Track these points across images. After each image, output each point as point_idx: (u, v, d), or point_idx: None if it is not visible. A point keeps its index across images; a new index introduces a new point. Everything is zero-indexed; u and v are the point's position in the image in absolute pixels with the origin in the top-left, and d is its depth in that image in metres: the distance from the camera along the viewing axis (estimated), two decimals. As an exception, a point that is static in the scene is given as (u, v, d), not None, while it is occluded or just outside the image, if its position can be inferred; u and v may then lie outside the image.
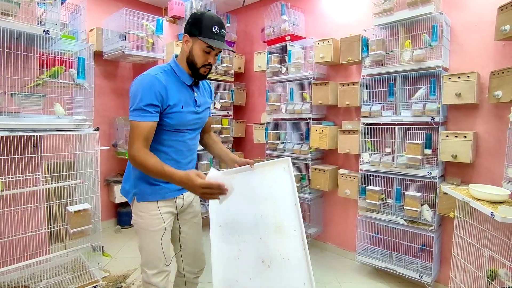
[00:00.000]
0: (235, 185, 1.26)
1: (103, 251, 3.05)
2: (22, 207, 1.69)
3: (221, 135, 3.62)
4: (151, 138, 1.34)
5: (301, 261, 1.31)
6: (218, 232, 1.38)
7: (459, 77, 2.11)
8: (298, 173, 3.09)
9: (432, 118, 2.23)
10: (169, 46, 3.23)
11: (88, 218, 1.68)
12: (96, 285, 1.77)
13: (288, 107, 3.11)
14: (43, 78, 1.73)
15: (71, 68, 1.81)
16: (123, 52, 2.90)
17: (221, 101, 3.59)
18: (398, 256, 2.56)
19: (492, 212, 1.50)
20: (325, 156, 3.18)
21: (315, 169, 2.93)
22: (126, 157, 3.45)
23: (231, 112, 3.72)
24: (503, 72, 1.93)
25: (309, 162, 2.99)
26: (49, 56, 1.83)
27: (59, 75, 1.80)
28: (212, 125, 1.68)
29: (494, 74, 2.00)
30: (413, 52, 2.29)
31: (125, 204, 3.74)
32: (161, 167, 1.27)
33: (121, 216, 3.69)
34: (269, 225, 1.38)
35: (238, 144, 3.98)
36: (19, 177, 1.59)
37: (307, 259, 1.30)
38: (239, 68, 3.85)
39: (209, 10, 1.47)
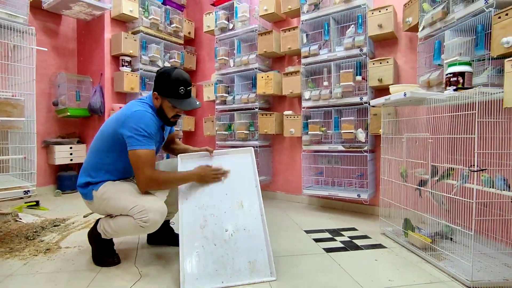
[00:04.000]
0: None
1: (38, 205, 2.83)
2: None
3: (171, 95, 3.62)
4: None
5: (260, 231, 1.54)
6: (186, 203, 1.57)
7: (379, 11, 2.43)
8: (247, 121, 3.20)
9: (361, 49, 2.52)
10: (116, -3, 3.22)
11: (21, 110, 1.58)
12: (28, 191, 1.65)
13: (236, 60, 3.25)
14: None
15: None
16: (65, -5, 2.83)
17: (170, 60, 3.62)
18: (339, 186, 2.77)
19: (404, 93, 1.75)
20: (272, 107, 3.35)
21: (262, 114, 3.07)
22: (69, 114, 3.28)
23: (181, 74, 3.75)
24: (411, 2, 2.28)
25: (257, 110, 3.13)
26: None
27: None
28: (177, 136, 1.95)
29: (405, 6, 2.36)
30: (342, -6, 2.60)
31: (67, 168, 3.51)
32: (179, 175, 1.59)
33: (62, 180, 3.45)
34: (233, 201, 1.61)
35: (189, 108, 4.00)
36: None
37: (264, 230, 1.53)
38: (189, 33, 3.93)
39: (175, 68, 1.56)
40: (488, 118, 1.43)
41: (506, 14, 1.46)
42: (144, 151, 1.46)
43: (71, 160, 3.43)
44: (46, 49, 2.13)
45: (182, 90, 1.53)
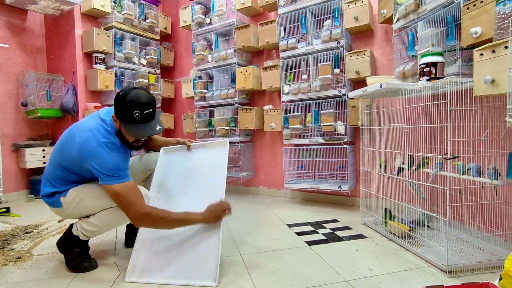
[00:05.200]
0: (182, 159, 1.70)
1: (9, 212, 2.69)
2: None
3: (148, 92, 3.52)
4: None
5: (216, 232, 1.46)
6: (155, 196, 1.61)
7: (355, 3, 2.44)
8: (227, 117, 3.17)
9: (338, 42, 2.53)
10: (86, -8, 3.08)
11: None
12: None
13: (214, 55, 3.20)
14: None
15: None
16: (29, -11, 2.67)
17: (146, 57, 3.51)
18: (320, 179, 2.79)
19: (380, 84, 1.77)
20: (252, 102, 3.32)
21: (242, 109, 3.04)
22: (39, 114, 3.13)
23: (158, 71, 3.66)
24: (386, -6, 2.30)
25: (237, 105, 3.09)
26: None
27: None
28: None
29: (380, -2, 2.38)
30: (318, -13, 2.59)
31: (40, 171, 3.36)
32: (181, 216, 1.42)
33: (35, 184, 3.29)
34: (196, 197, 1.58)
35: (168, 104, 3.92)
36: None
37: (219, 231, 1.46)
38: (165, 28, 3.83)
39: (135, 88, 1.38)
40: (460, 107, 1.46)
41: (474, 5, 1.49)
42: (120, 185, 1.33)
43: (44, 163, 3.28)
44: (7, 46, 2.00)
45: (137, 114, 1.34)
